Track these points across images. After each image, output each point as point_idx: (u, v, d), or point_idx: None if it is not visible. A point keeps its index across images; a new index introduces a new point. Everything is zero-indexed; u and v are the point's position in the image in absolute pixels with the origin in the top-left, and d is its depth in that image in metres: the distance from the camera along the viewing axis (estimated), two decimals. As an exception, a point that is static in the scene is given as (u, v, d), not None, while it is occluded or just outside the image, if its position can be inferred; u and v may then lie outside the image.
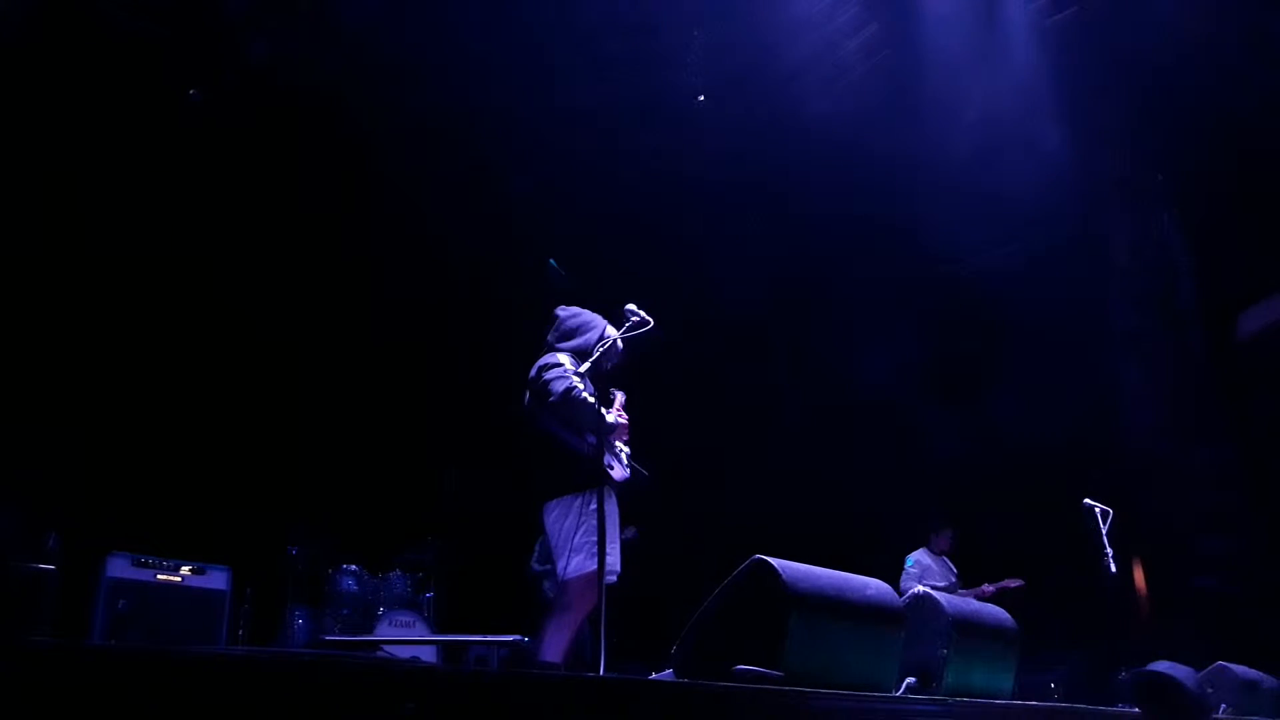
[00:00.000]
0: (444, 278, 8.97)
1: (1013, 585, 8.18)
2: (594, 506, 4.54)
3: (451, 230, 8.97)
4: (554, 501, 4.72)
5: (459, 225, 8.98)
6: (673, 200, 9.55)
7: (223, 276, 7.81)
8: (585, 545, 4.54)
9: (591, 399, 4.66)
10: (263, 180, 7.97)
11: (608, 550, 4.52)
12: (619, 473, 4.76)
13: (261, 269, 7.99)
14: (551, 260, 9.71)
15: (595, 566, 4.45)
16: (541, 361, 4.85)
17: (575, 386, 4.64)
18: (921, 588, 7.87)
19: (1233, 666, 6.38)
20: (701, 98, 9.43)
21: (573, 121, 8.76)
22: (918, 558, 8.31)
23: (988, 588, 8.17)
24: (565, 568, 4.57)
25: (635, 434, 5.08)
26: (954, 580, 8.29)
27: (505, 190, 8.97)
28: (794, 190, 9.32)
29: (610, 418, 4.70)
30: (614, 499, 4.76)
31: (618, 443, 4.92)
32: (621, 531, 8.28)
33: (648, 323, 4.68)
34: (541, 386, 4.72)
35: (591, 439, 4.65)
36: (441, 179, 8.80)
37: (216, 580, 6.11)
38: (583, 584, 4.53)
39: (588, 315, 5.08)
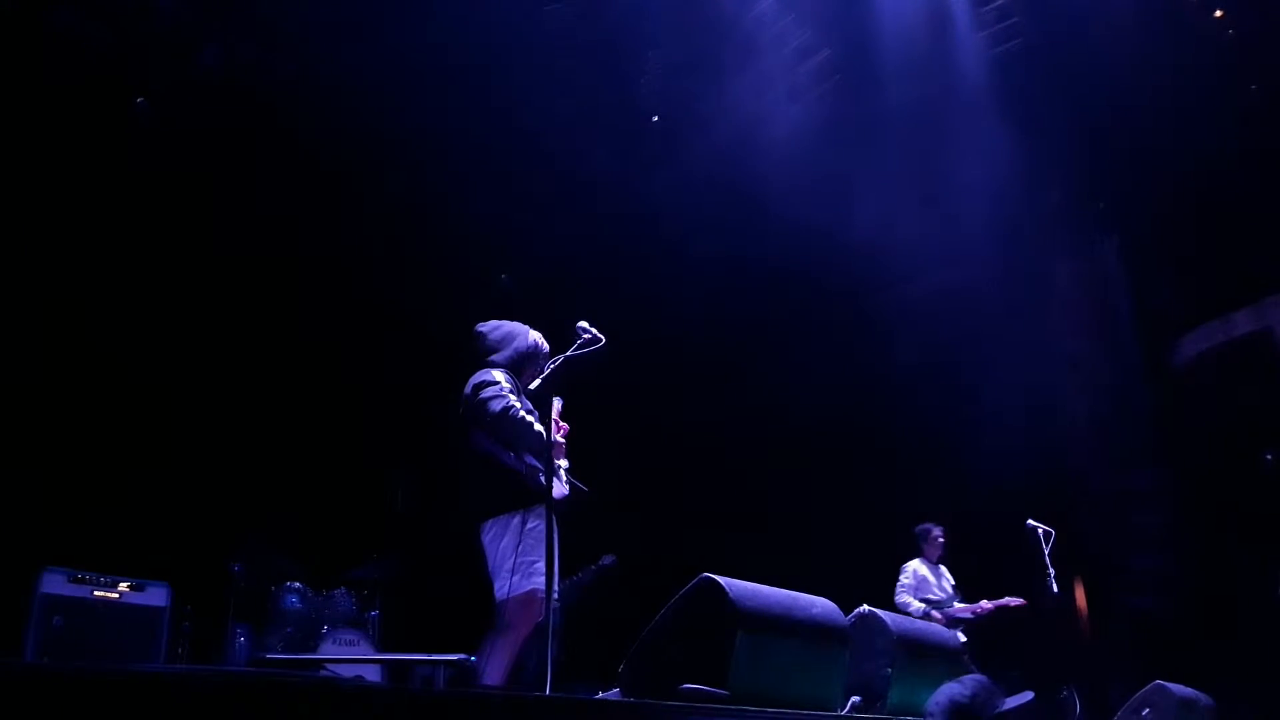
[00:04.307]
0: (394, 294, 8.90)
1: (1013, 604, 7.89)
2: (531, 525, 4.51)
3: (402, 245, 8.92)
4: (490, 521, 4.62)
5: (410, 240, 8.93)
6: (626, 219, 9.58)
7: (163, 287, 7.67)
8: (523, 565, 4.45)
9: (530, 417, 4.59)
10: (208, 192, 7.86)
11: (542, 571, 4.48)
12: (558, 490, 4.66)
13: (203, 281, 7.86)
14: (504, 276, 9.69)
15: (530, 586, 4.42)
16: (476, 379, 4.73)
17: (513, 405, 4.56)
18: (907, 599, 7.89)
19: (1170, 685, 6.50)
20: (656, 118, 9.49)
21: (526, 140, 8.76)
22: (913, 568, 8.07)
23: (986, 604, 7.90)
24: (503, 588, 4.48)
25: (580, 449, 5.03)
26: (951, 593, 8.09)
27: (455, 205, 8.92)
28: (746, 211, 9.39)
29: (543, 431, 4.62)
30: (554, 517, 4.71)
31: (557, 459, 4.78)
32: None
33: (599, 340, 4.67)
34: (478, 405, 4.61)
35: (530, 458, 4.61)
36: (393, 195, 8.75)
37: (156, 597, 6.01)
38: (520, 603, 4.44)
39: (509, 325, 5.01)
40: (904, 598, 7.92)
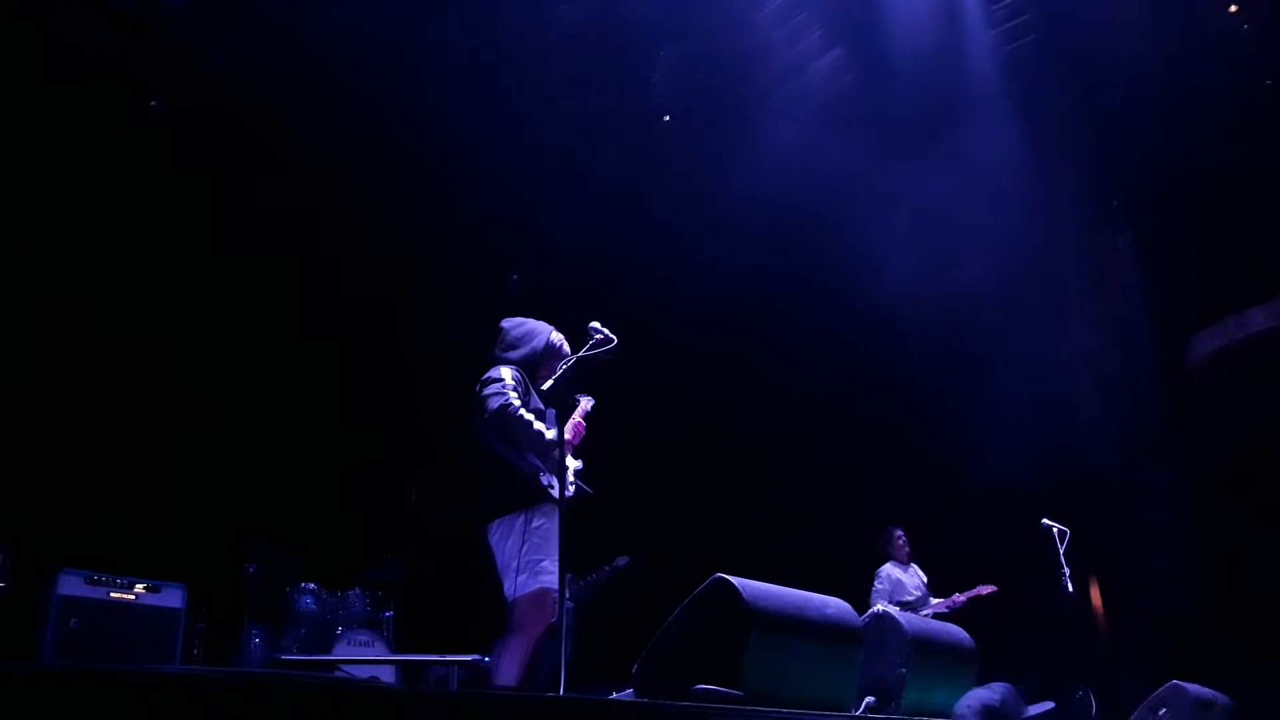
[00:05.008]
0: (406, 294, 8.92)
1: (985, 592, 8.00)
2: (536, 524, 4.49)
3: (413, 245, 8.94)
4: (496, 521, 4.60)
5: (422, 240, 8.95)
6: (635, 219, 9.58)
7: (180, 289, 7.71)
8: (529, 564, 4.43)
9: (530, 415, 4.56)
10: (219, 193, 7.88)
11: (550, 570, 4.45)
12: (558, 492, 4.60)
13: (218, 282, 7.89)
14: (514, 276, 9.70)
15: (538, 585, 4.41)
16: (485, 376, 4.73)
17: (511, 403, 4.52)
18: (881, 606, 7.92)
19: (1187, 685, 6.46)
20: (667, 117, 9.48)
21: (538, 139, 8.77)
22: (886, 572, 8.21)
23: (959, 597, 8.02)
24: (511, 588, 4.46)
25: (593, 450, 5.00)
26: (924, 591, 8.18)
27: (468, 206, 8.94)
28: (758, 208, 9.38)
29: (550, 433, 4.55)
30: (557, 517, 4.70)
31: (567, 458, 4.72)
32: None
33: (611, 340, 4.66)
34: (480, 403, 4.60)
35: (533, 458, 4.59)
36: (405, 194, 8.76)
37: (171, 598, 6.02)
38: (530, 603, 4.42)
39: (531, 323, 4.99)
40: (878, 603, 7.96)
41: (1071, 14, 8.72)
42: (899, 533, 8.37)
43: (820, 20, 9.06)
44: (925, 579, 8.32)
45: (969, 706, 4.89)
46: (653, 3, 8.47)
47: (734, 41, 8.92)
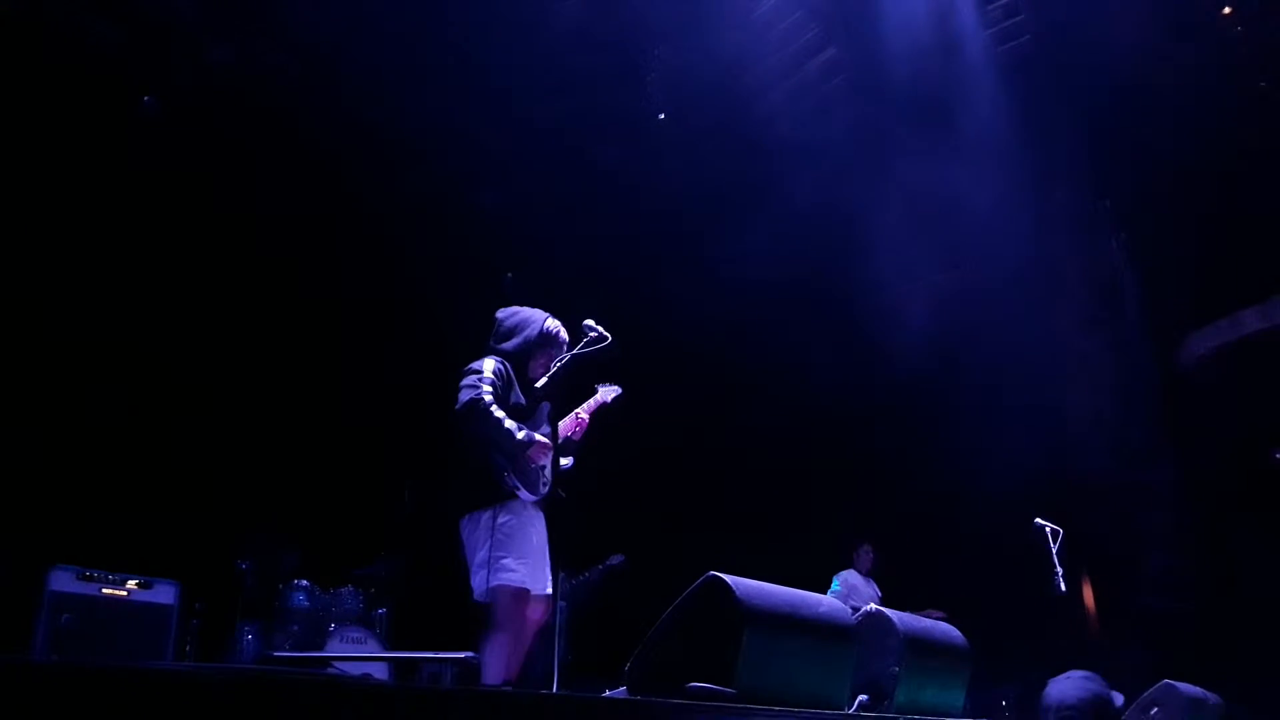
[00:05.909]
0: (402, 292, 8.90)
1: (934, 617, 8.21)
2: (501, 520, 4.44)
3: (411, 243, 8.92)
4: (465, 517, 4.57)
5: (419, 238, 8.94)
6: (631, 217, 9.57)
7: (172, 285, 7.69)
8: (493, 560, 4.41)
9: (500, 413, 4.47)
10: (219, 191, 7.87)
11: (526, 569, 4.43)
12: (525, 494, 4.53)
13: (212, 279, 7.88)
14: (509, 275, 9.68)
15: (498, 582, 4.37)
16: (465, 367, 4.64)
17: (481, 398, 4.43)
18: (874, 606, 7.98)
19: (1179, 684, 6.47)
20: (662, 115, 9.48)
21: (534, 137, 8.76)
22: (845, 578, 8.49)
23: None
24: (476, 585, 4.44)
25: (588, 448, 4.96)
26: (878, 604, 8.35)
27: (465, 204, 8.93)
28: (752, 208, 9.38)
29: (521, 434, 4.47)
30: (536, 516, 4.62)
31: (541, 459, 4.58)
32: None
33: (605, 338, 4.64)
34: (455, 394, 4.52)
35: (497, 455, 4.51)
36: (402, 192, 8.75)
37: (164, 594, 6.01)
38: (499, 600, 4.38)
39: (526, 312, 4.92)
40: None
41: (1066, 15, 8.73)
42: (866, 547, 8.73)
43: (815, 20, 9.06)
44: (880, 595, 8.58)
45: (1080, 699, 4.85)
46: (649, 1, 8.47)
47: (729, 39, 8.92)
